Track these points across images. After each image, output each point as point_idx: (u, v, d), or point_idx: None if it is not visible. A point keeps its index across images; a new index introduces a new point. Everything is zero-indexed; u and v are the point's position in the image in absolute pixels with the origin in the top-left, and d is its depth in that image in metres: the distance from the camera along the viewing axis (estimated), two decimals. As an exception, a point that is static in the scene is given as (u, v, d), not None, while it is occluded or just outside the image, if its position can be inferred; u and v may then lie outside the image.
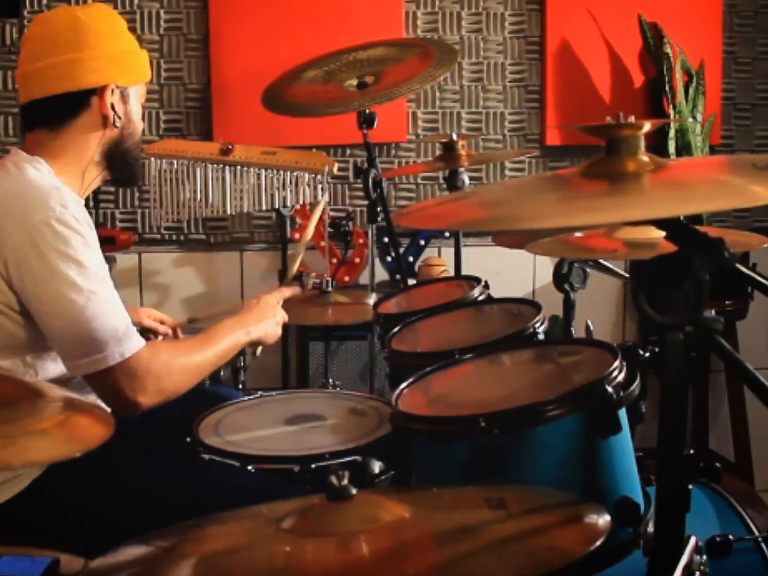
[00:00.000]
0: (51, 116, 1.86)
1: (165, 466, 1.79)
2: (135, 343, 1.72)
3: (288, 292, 2.13)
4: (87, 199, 2.08)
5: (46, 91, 1.85)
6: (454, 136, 2.62)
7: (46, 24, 1.92)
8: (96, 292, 1.69)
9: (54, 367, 1.79)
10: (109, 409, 1.78)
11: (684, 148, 3.37)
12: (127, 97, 1.92)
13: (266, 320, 2.00)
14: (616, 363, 1.36)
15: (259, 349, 2.06)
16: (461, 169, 2.61)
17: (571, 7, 3.41)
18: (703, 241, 1.08)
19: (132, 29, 2.04)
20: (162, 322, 2.34)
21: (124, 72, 1.90)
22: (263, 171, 2.82)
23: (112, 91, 1.87)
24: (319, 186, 2.82)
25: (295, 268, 2.30)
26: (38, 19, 1.95)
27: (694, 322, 1.10)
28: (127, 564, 1.12)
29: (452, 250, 2.74)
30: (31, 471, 1.71)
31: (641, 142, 1.18)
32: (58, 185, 1.78)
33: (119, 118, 1.89)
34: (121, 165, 1.95)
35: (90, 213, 2.09)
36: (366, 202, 2.92)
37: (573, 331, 2.04)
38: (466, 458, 1.31)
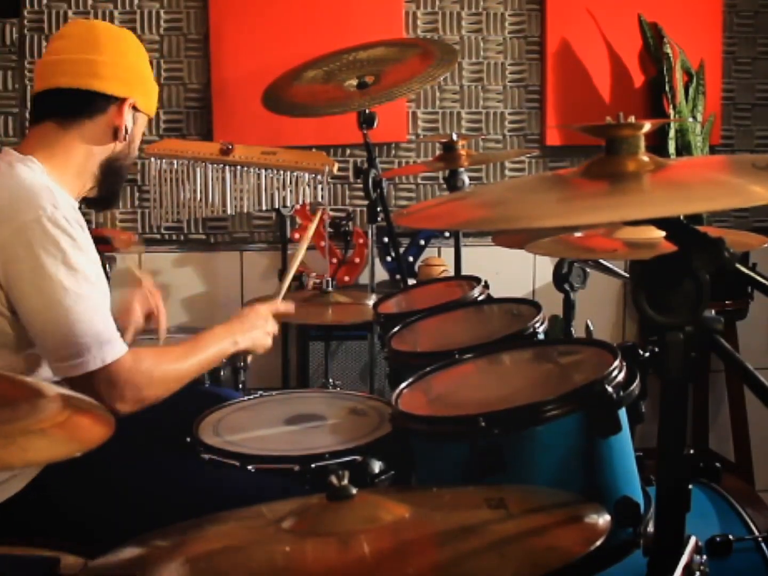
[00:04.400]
0: (66, 109, 1.86)
1: (165, 466, 1.79)
2: (118, 350, 1.71)
3: (282, 307, 2.12)
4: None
5: (72, 82, 1.85)
6: (454, 136, 2.62)
7: (85, 26, 1.99)
8: (82, 295, 1.69)
9: (43, 366, 1.78)
10: None
11: (684, 148, 3.37)
12: (137, 120, 1.94)
13: (255, 330, 1.98)
14: (616, 363, 1.36)
15: (249, 357, 2.05)
16: (461, 169, 2.62)
17: (571, 7, 3.41)
18: (703, 241, 1.08)
19: (130, 27, 2.05)
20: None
21: (144, 95, 1.94)
22: (263, 171, 2.82)
23: (131, 106, 1.89)
24: (319, 186, 2.82)
25: (291, 273, 2.28)
26: (76, 21, 1.98)
27: (694, 322, 1.10)
28: (127, 564, 1.12)
29: (452, 250, 2.74)
30: (28, 470, 1.71)
31: (641, 142, 1.18)
32: (50, 185, 1.77)
33: (127, 134, 1.91)
34: (112, 182, 1.95)
35: (90, 213, 2.09)
36: (366, 202, 2.92)
37: (573, 331, 2.04)
38: (466, 458, 1.31)
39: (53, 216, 1.69)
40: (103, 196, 1.98)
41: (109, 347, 1.70)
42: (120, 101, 1.88)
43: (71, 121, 1.86)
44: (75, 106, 1.86)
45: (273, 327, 2.03)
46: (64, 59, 1.87)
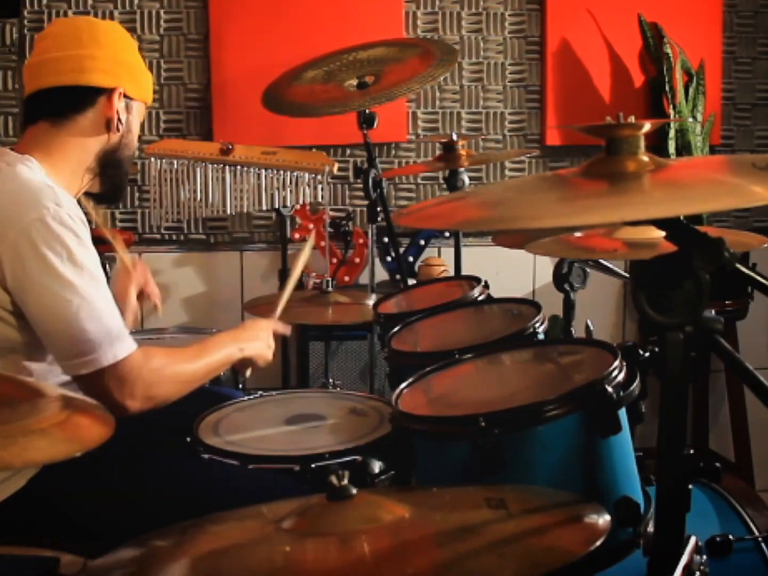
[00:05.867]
0: (56, 108, 1.86)
1: (165, 466, 1.79)
2: (128, 346, 1.71)
3: (280, 327, 2.12)
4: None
5: (57, 80, 1.85)
6: (454, 136, 2.62)
7: (66, 24, 2.00)
8: (91, 293, 1.69)
9: (49, 370, 1.78)
10: None
11: (684, 148, 3.37)
12: (131, 109, 1.93)
13: (260, 341, 1.99)
14: (616, 363, 1.36)
15: (248, 371, 2.06)
16: (461, 169, 2.62)
17: (571, 7, 3.41)
18: (703, 241, 1.08)
19: (130, 27, 2.06)
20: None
21: (133, 82, 1.92)
22: (263, 171, 2.82)
23: (120, 95, 1.88)
24: (319, 186, 2.82)
25: (287, 295, 2.27)
26: (58, 20, 1.99)
27: (694, 322, 1.11)
28: (127, 564, 1.12)
29: (452, 250, 2.74)
30: (27, 469, 1.71)
31: (641, 142, 1.18)
32: (51, 184, 1.77)
33: (121, 124, 1.90)
34: (112, 174, 1.94)
35: (90, 213, 2.09)
36: (366, 202, 2.92)
37: (573, 331, 2.04)
38: (466, 458, 1.31)
39: (57, 214, 1.69)
40: (107, 190, 1.97)
41: (120, 343, 1.70)
42: (108, 92, 1.87)
43: (63, 118, 1.86)
44: (64, 103, 1.86)
45: (273, 342, 2.04)
46: (47, 59, 1.87)
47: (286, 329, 2.15)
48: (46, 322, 1.70)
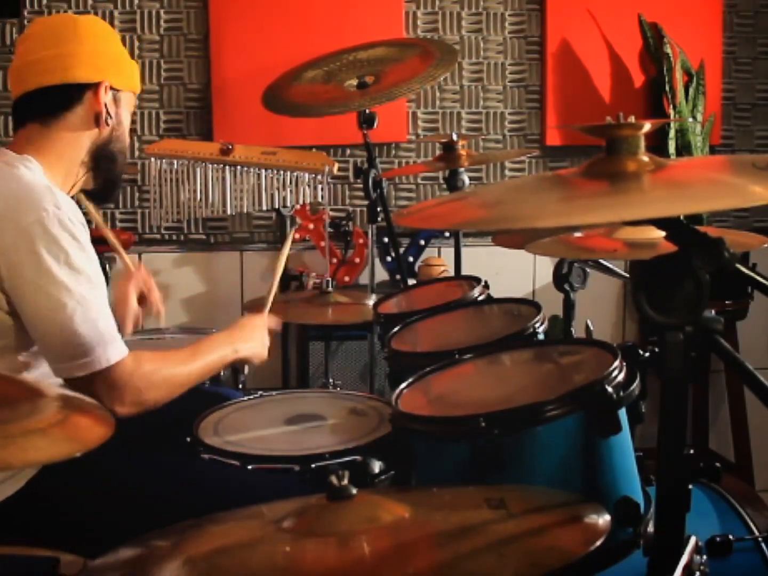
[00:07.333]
0: (44, 109, 1.86)
1: (165, 466, 1.79)
2: (120, 351, 1.72)
3: (273, 323, 2.11)
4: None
5: (41, 81, 1.85)
6: (454, 136, 2.62)
7: (45, 23, 1.99)
8: (86, 297, 1.69)
9: (47, 368, 1.78)
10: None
11: (684, 148, 3.37)
12: (119, 101, 1.92)
13: (255, 341, 1.99)
14: (616, 363, 1.36)
15: (246, 369, 2.06)
16: (461, 169, 2.62)
17: (571, 7, 3.41)
18: (703, 241, 1.08)
19: (130, 27, 2.06)
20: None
21: (118, 74, 1.92)
22: (263, 171, 2.82)
23: (106, 89, 1.88)
24: (319, 186, 2.82)
25: (274, 288, 2.27)
26: (37, 20, 1.98)
27: (694, 322, 1.10)
28: (127, 564, 1.12)
29: (452, 250, 2.74)
30: (26, 470, 1.71)
31: (641, 142, 1.18)
32: (50, 185, 1.77)
33: (110, 117, 1.89)
34: (106, 169, 1.93)
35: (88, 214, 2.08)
36: (366, 202, 2.92)
37: (573, 331, 2.04)
38: (466, 458, 1.31)
39: (56, 216, 1.69)
40: (102, 185, 1.96)
41: (113, 348, 1.70)
42: (94, 86, 1.87)
43: (52, 118, 1.86)
44: (52, 103, 1.86)
45: (268, 340, 2.04)
46: (30, 61, 1.86)
47: (278, 325, 2.14)
48: (40, 325, 1.70)
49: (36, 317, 1.70)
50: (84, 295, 1.69)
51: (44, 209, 1.69)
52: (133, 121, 2.21)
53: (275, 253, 3.26)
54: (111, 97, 1.90)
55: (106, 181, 1.96)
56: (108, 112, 1.89)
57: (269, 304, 2.20)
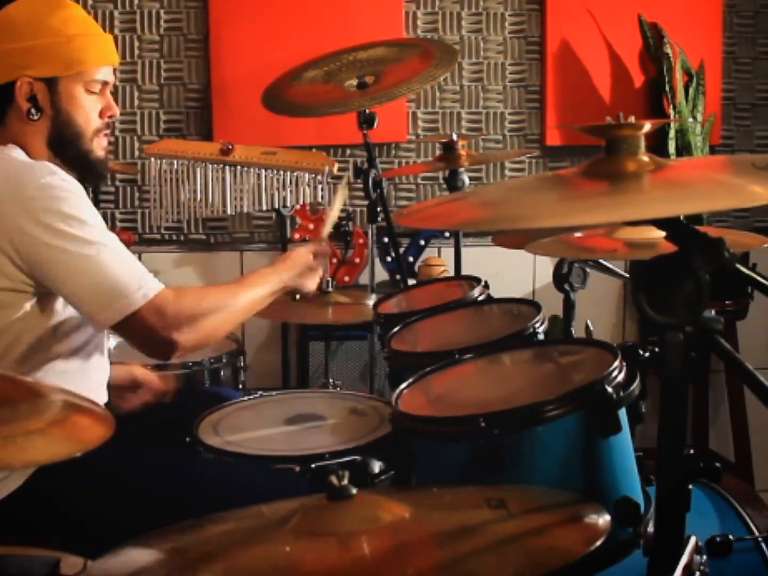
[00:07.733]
0: None
1: (165, 466, 1.79)
2: (156, 284, 1.73)
3: (320, 248, 2.09)
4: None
5: None
6: (454, 136, 2.62)
7: None
8: (104, 243, 1.71)
9: (86, 341, 1.81)
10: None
11: (684, 148, 3.37)
12: (55, 87, 1.84)
13: (299, 269, 1.99)
14: (616, 363, 1.36)
15: (297, 296, 2.05)
16: (461, 169, 2.61)
17: (571, 7, 3.41)
18: (703, 241, 1.08)
19: (130, 27, 2.00)
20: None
21: (41, 62, 1.82)
22: (263, 171, 2.82)
23: (25, 83, 1.81)
24: (319, 186, 2.82)
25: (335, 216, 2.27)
26: None
27: (694, 322, 1.10)
28: (127, 564, 1.12)
29: (452, 250, 2.74)
30: (24, 469, 1.71)
31: (641, 142, 1.18)
32: (39, 160, 1.78)
33: (39, 110, 1.83)
34: (72, 157, 1.88)
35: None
36: (366, 202, 2.92)
37: (573, 331, 2.04)
38: (466, 458, 1.31)
39: (53, 181, 1.71)
40: (79, 169, 1.90)
41: (146, 283, 1.71)
42: (12, 85, 1.81)
43: (4, 117, 1.84)
44: None
45: (317, 267, 2.05)
46: None
47: (325, 249, 2.13)
48: (70, 283, 1.70)
49: (64, 278, 1.70)
50: (101, 242, 1.70)
51: (40, 176, 1.71)
52: (133, 121, 2.18)
53: (275, 253, 3.27)
54: (43, 87, 1.82)
55: (77, 163, 1.90)
56: (36, 105, 1.82)
57: (327, 231, 2.20)
